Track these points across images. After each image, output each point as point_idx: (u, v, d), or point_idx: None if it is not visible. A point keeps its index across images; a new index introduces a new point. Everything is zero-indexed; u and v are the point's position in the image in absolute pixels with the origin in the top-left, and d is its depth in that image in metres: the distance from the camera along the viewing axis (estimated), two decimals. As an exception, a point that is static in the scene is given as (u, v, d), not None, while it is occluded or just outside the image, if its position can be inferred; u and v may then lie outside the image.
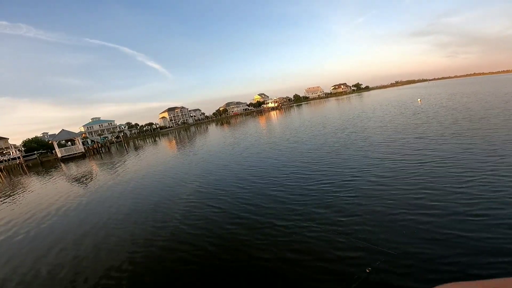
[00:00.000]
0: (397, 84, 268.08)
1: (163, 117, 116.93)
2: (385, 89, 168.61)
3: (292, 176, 9.16)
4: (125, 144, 57.31)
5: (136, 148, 38.91)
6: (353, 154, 10.93)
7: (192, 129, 74.68)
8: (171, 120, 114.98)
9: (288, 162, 11.44)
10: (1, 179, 30.20)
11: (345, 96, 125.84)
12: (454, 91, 44.71)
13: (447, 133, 11.96)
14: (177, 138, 45.61)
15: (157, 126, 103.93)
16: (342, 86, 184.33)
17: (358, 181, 7.61)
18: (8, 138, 71.01)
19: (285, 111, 75.71)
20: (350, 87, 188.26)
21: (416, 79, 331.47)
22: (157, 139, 57.18)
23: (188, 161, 16.73)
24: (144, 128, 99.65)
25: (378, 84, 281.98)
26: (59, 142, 47.76)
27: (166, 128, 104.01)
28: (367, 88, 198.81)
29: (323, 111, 41.87)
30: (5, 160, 47.04)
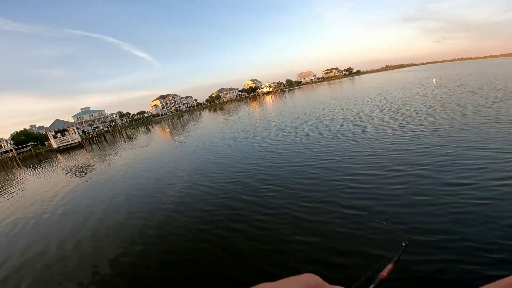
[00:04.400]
0: (387, 68, 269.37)
1: (155, 105, 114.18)
2: (376, 73, 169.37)
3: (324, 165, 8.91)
4: (121, 133, 55.84)
5: (131, 138, 37.95)
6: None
7: (186, 116, 73.46)
8: (163, 107, 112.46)
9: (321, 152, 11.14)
10: None
11: (337, 80, 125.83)
12: (464, 72, 44.60)
13: None
14: (171, 126, 44.48)
15: (149, 114, 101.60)
16: (334, 70, 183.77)
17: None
18: (-5, 131, 67.78)
19: (280, 96, 75.09)
20: (342, 71, 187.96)
21: (405, 63, 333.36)
22: (150, 127, 55.99)
23: (191, 151, 16.26)
24: (136, 117, 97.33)
25: (368, 69, 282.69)
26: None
27: (159, 116, 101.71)
28: (358, 73, 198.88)
29: (336, 94, 41.39)
30: None
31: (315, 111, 22.45)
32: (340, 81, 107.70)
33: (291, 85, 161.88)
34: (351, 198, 5.77)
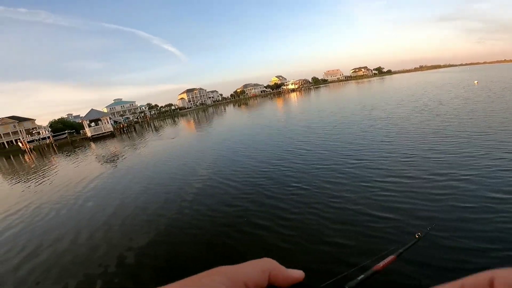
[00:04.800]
0: (421, 68, 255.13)
1: (181, 98, 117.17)
2: (409, 74, 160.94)
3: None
4: (149, 125, 57.95)
5: (158, 129, 39.15)
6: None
7: (211, 110, 74.67)
8: (189, 101, 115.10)
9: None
10: (32, 160, 30.89)
11: (366, 80, 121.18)
12: (508, 75, 40.92)
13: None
14: (197, 119, 45.22)
15: (176, 107, 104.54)
16: (362, 69, 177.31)
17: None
18: (35, 119, 73.68)
19: (305, 93, 73.86)
20: (371, 70, 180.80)
21: (442, 64, 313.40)
22: (176, 119, 57.48)
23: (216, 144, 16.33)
24: (163, 109, 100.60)
25: (400, 68, 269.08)
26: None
27: (185, 109, 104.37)
28: (389, 72, 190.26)
29: (366, 93, 39.94)
30: (36, 140, 47.12)
31: (343, 110, 21.69)
32: (369, 81, 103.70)
33: (317, 83, 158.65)
34: (384, 203, 5.34)
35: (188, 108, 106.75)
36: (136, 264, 4.75)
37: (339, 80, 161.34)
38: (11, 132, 68.26)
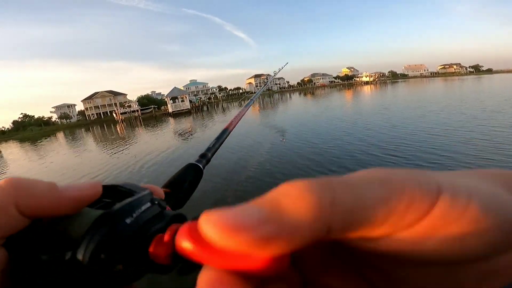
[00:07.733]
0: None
1: (249, 83, 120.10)
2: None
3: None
4: (218, 106, 61.19)
5: (225, 111, 40.76)
6: None
7: (276, 96, 74.68)
8: (256, 86, 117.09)
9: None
10: (122, 130, 34.94)
11: (457, 78, 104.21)
12: None
13: None
14: (263, 105, 45.29)
15: (244, 90, 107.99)
16: (454, 66, 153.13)
17: None
18: (127, 94, 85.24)
19: (381, 87, 67.42)
20: (466, 68, 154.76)
21: None
22: (242, 102, 58.68)
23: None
24: (232, 92, 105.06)
25: (504, 68, 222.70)
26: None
27: (252, 93, 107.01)
28: (489, 71, 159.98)
29: (464, 92, 34.35)
30: (127, 112, 56.19)
31: (445, 109, 17.48)
32: (461, 79, 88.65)
33: (394, 77, 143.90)
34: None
35: (254, 92, 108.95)
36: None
37: (422, 76, 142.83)
38: (107, 105, 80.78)
